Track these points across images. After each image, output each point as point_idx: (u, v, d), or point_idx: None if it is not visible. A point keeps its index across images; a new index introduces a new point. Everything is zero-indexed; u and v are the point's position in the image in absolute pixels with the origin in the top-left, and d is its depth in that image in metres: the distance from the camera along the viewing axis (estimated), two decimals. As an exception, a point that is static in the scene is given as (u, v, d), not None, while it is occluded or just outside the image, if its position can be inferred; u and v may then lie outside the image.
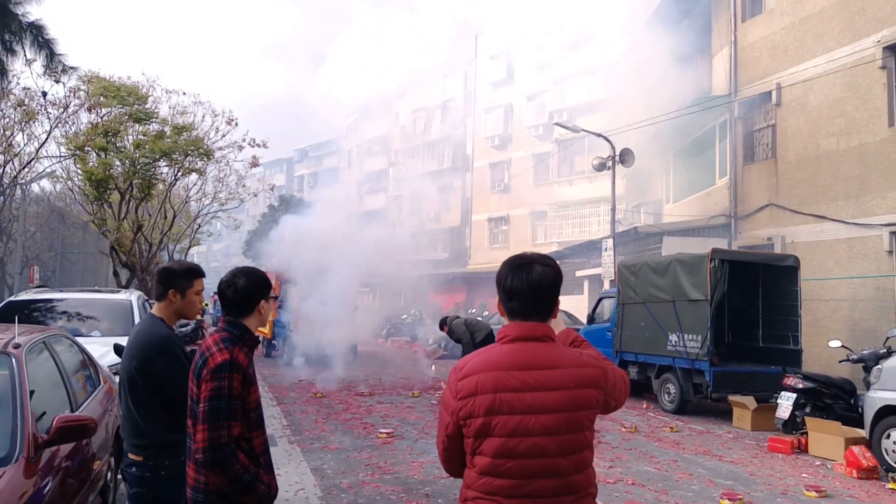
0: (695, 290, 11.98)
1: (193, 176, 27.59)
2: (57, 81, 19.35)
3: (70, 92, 21.44)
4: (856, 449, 8.16)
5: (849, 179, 14.13)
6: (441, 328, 14.14)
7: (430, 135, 43.09)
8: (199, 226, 31.89)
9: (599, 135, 17.69)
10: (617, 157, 17.34)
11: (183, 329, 18.27)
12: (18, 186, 24.08)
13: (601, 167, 17.73)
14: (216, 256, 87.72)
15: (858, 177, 13.91)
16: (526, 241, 33.66)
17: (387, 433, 9.57)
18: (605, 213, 29.65)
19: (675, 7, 18.84)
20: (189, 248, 32.75)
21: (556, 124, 17.88)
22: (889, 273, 13.28)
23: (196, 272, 3.83)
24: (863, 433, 8.67)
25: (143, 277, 23.08)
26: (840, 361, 10.61)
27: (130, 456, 3.54)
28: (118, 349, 5.39)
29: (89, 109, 22.30)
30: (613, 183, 17.84)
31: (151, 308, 3.87)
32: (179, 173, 25.81)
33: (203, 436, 2.85)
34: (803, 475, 8.14)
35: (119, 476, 5.05)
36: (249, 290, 3.08)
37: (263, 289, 3.15)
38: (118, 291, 11.38)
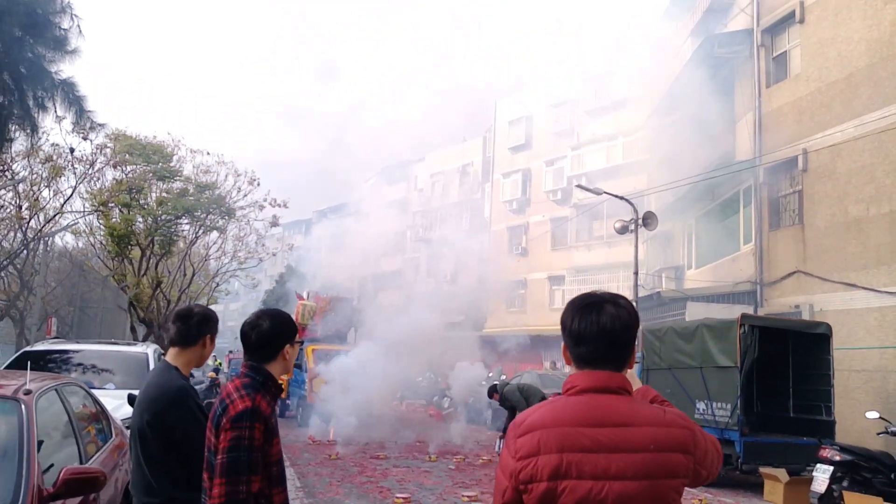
0: (723, 357, 11.61)
1: (214, 234, 27.82)
2: (85, 139, 19.69)
3: (97, 149, 21.84)
4: (902, 527, 7.65)
5: (880, 247, 13.81)
6: (490, 396, 13.82)
7: (448, 198, 43.27)
8: (218, 284, 31.97)
9: (622, 197, 17.59)
10: (640, 221, 17.18)
11: (198, 386, 18.05)
12: (42, 241, 24.28)
13: (623, 230, 17.56)
14: (233, 315, 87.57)
15: (890, 244, 13.59)
16: (543, 305, 33.31)
17: (403, 498, 9.25)
18: (623, 278, 29.38)
19: (698, 73, 18.93)
20: (207, 305, 32.69)
21: (578, 186, 17.80)
22: (924, 343, 12.84)
23: None
24: (906, 510, 8.15)
25: (159, 334, 22.97)
26: (878, 434, 10.14)
27: None
28: (132, 400, 5.17)
29: (115, 166, 22.66)
30: (636, 246, 17.64)
31: (165, 355, 3.63)
32: (200, 231, 25.99)
33: (220, 490, 2.61)
34: (847, 555, 7.65)
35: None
36: (274, 333, 2.87)
37: (289, 332, 2.93)
38: (134, 344, 11.23)
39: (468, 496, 9.57)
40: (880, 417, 10.05)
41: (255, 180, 26.29)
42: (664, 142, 22.38)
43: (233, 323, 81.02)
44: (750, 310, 16.51)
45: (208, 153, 25.11)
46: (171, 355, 3.52)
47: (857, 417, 12.72)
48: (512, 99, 37.93)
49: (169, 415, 3.26)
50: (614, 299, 2.01)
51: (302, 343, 3.00)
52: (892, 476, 9.42)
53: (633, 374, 2.20)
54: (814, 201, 15.57)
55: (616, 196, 17.64)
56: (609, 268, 29.86)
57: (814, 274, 15.34)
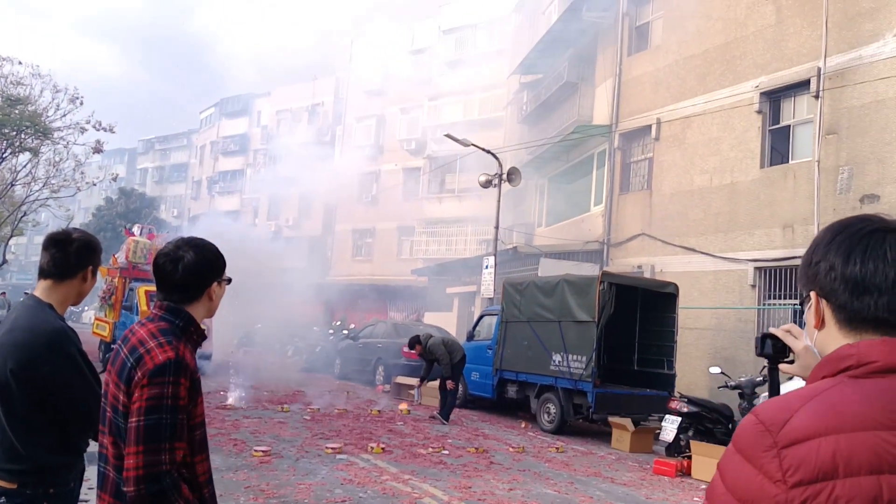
0: (582, 311, 12.08)
1: (23, 157, 24.85)
2: None
3: None
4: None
5: (719, 215, 14.84)
6: (412, 347, 13.11)
7: (294, 138, 41.76)
8: (25, 213, 28.42)
9: (489, 151, 17.66)
10: (504, 175, 17.36)
11: None
12: None
13: (487, 184, 17.67)
14: (38, 251, 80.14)
15: (728, 213, 14.64)
16: (391, 254, 33.28)
17: (262, 451, 8.69)
18: (472, 233, 29.86)
19: (564, 34, 19.24)
20: (10, 237, 29.02)
21: (447, 136, 17.63)
22: (752, 306, 14.03)
23: None
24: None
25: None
26: (719, 387, 11.06)
27: (0, 483, 2.64)
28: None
29: None
30: (499, 200, 17.84)
31: (34, 290, 2.87)
32: (8, 152, 23.17)
33: (137, 461, 2.10)
34: (695, 498, 8.20)
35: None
36: (200, 267, 2.35)
37: (217, 267, 2.42)
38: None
39: (331, 447, 9.26)
40: (721, 373, 10.90)
41: (77, 98, 23.71)
42: (524, 101, 22.67)
43: (37, 258, 73.54)
44: (597, 268, 17.29)
45: (20, 62, 22.38)
46: (43, 290, 2.80)
47: (688, 371, 13.80)
48: (369, 41, 36.92)
49: (44, 364, 2.61)
50: None
51: (230, 281, 2.48)
52: (730, 426, 10.30)
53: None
54: (662, 168, 16.42)
55: (483, 149, 17.69)
56: (459, 221, 30.17)
57: (657, 237, 16.25)
